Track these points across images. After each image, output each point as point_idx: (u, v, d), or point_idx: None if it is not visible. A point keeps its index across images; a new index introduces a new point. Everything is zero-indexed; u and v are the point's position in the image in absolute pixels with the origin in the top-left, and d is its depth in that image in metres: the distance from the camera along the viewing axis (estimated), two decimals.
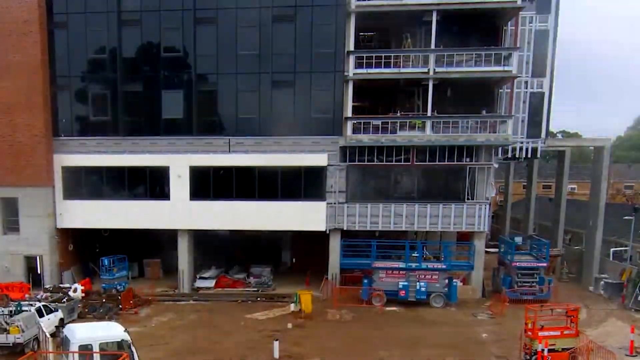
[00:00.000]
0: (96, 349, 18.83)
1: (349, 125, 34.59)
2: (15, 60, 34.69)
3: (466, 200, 35.16)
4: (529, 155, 39.27)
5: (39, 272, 36.79)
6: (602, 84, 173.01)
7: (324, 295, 35.43)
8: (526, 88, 37.98)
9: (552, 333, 24.11)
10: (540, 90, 38.26)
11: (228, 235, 39.97)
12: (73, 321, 30.21)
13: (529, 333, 24.38)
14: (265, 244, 41.91)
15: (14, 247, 36.71)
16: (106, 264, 36.09)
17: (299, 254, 42.39)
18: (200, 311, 33.00)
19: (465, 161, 34.96)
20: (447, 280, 33.97)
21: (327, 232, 35.94)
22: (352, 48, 34.29)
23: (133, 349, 19.46)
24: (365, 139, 34.62)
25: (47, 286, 35.33)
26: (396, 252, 35.29)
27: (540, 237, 41.41)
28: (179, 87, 35.55)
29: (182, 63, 35.48)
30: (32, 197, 36.11)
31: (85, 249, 39.70)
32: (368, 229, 36.30)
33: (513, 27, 34.65)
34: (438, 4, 33.06)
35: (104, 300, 33.45)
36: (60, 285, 35.62)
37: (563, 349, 23.98)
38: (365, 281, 34.30)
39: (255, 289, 37.29)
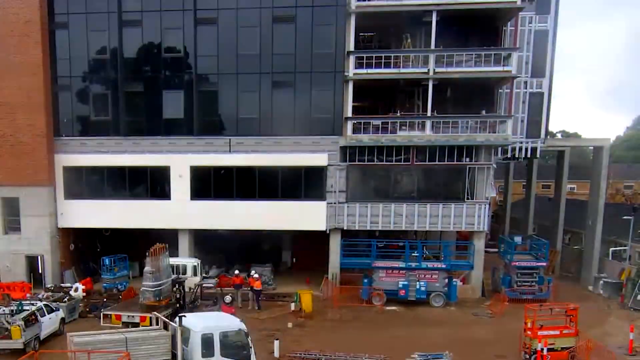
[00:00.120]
0: (217, 338, 19.58)
1: (349, 125, 34.71)
2: (17, 61, 34.74)
3: (466, 200, 35.28)
4: (529, 155, 39.38)
5: (40, 271, 36.89)
6: (602, 84, 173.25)
7: (324, 294, 35.54)
8: (526, 88, 38.07)
9: (551, 332, 24.21)
10: (539, 90, 38.36)
11: (228, 235, 40.05)
12: (74, 321, 30.36)
13: (529, 332, 24.48)
14: (265, 244, 42.03)
15: (15, 247, 36.79)
16: (107, 263, 36.19)
17: (300, 254, 42.56)
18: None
19: (465, 161, 35.07)
20: (446, 280, 34.07)
21: (328, 231, 36.06)
22: (352, 48, 34.39)
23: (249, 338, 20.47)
24: (366, 138, 34.74)
25: (49, 286, 35.45)
26: (396, 251, 35.42)
27: (540, 237, 41.53)
28: (180, 87, 35.66)
29: (182, 63, 35.60)
30: (33, 197, 36.17)
31: (86, 248, 39.82)
32: (368, 228, 36.46)
33: (513, 28, 34.76)
34: (438, 5, 33.14)
35: (105, 299, 33.53)
36: (62, 284, 35.71)
37: (562, 348, 24.11)
38: (365, 281, 34.40)
39: None
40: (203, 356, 19.29)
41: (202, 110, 35.80)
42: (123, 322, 26.96)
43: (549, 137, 41.44)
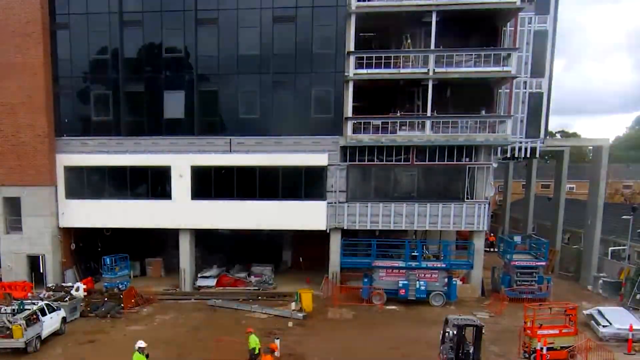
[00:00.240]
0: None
1: (349, 125, 34.81)
2: (18, 61, 34.85)
3: (465, 200, 35.38)
4: (528, 155, 39.43)
5: (41, 271, 36.98)
6: (601, 84, 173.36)
7: (324, 294, 35.72)
8: (525, 88, 38.16)
9: (550, 331, 24.36)
10: (539, 90, 38.45)
11: (229, 235, 40.19)
12: (75, 320, 30.51)
13: (528, 331, 24.65)
14: (266, 243, 42.15)
15: (16, 247, 36.91)
16: (108, 263, 36.30)
17: (300, 253, 42.68)
18: (201, 310, 33.21)
19: (465, 161, 35.18)
20: (446, 279, 34.19)
21: (328, 231, 36.17)
22: (352, 48, 34.45)
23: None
24: (366, 138, 34.84)
25: (50, 285, 35.57)
26: (396, 251, 35.55)
27: (539, 237, 41.67)
28: (181, 88, 35.70)
29: (183, 63, 35.67)
30: (34, 197, 36.31)
31: (87, 248, 39.92)
32: (368, 228, 36.52)
33: (512, 28, 34.85)
34: (437, 5, 33.23)
35: (105, 299, 33.64)
36: (63, 284, 35.86)
37: (562, 347, 24.24)
38: (366, 280, 34.53)
39: (256, 288, 37.53)
40: None
41: (202, 110, 35.87)
42: None
43: (548, 137, 41.49)
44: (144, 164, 36.23)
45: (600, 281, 37.56)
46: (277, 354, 24.61)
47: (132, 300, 33.30)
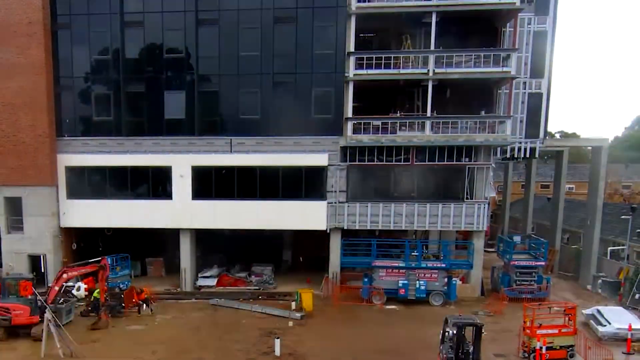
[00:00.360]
0: None
1: (350, 126, 34.91)
2: (20, 62, 34.95)
3: (465, 200, 35.49)
4: (528, 155, 39.52)
5: (42, 270, 37.05)
6: (600, 85, 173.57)
7: (324, 293, 35.85)
8: (525, 89, 38.26)
9: (550, 331, 24.45)
10: (538, 91, 38.57)
11: (229, 235, 40.27)
12: (70, 323, 30.35)
13: (528, 331, 24.75)
14: (266, 243, 42.19)
15: (18, 246, 37.03)
16: (109, 262, 36.30)
17: (300, 253, 42.78)
18: (202, 309, 33.32)
19: (465, 161, 35.28)
20: (446, 279, 34.30)
21: (328, 231, 36.27)
22: (352, 49, 34.55)
23: None
24: (366, 139, 34.94)
25: (51, 285, 35.54)
26: (396, 250, 35.66)
27: (539, 237, 41.78)
28: (181, 88, 35.80)
29: (184, 64, 35.76)
30: (35, 197, 36.43)
31: (88, 248, 39.96)
32: (368, 228, 36.65)
33: (512, 29, 34.91)
34: (437, 6, 33.35)
35: (106, 298, 33.62)
36: (64, 283, 35.84)
37: (561, 347, 24.33)
38: (366, 280, 34.64)
39: (257, 288, 37.65)
40: None
41: (203, 111, 35.97)
42: None
43: (547, 137, 41.59)
44: (145, 164, 36.34)
45: (600, 281, 37.70)
46: (277, 353, 24.76)
47: (133, 300, 33.33)
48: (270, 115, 35.53)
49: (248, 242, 40.95)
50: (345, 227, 36.26)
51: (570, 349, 24.41)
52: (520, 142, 38.66)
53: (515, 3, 32.99)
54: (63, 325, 28.89)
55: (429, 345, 25.28)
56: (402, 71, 34.66)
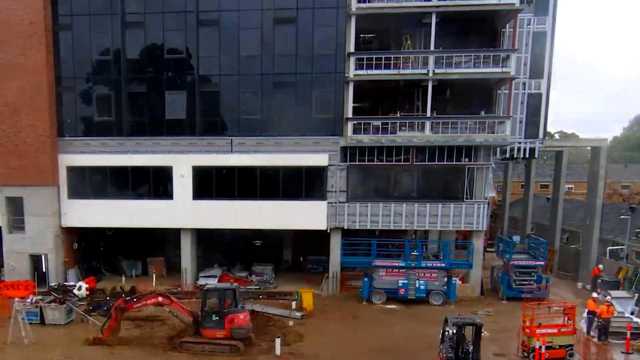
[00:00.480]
0: None
1: (350, 126, 35.01)
2: (21, 62, 34.98)
3: (465, 200, 35.60)
4: (527, 156, 39.70)
5: (44, 270, 37.12)
6: (600, 85, 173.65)
7: (324, 293, 35.96)
8: (524, 89, 38.42)
9: (549, 330, 24.55)
10: (538, 91, 38.72)
11: (230, 234, 40.36)
12: (71, 322, 30.48)
13: (527, 330, 24.85)
14: (267, 243, 42.32)
15: (19, 246, 37.10)
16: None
17: (300, 253, 42.89)
18: None
19: (464, 161, 35.36)
20: (446, 279, 34.41)
21: (328, 231, 36.37)
22: (352, 49, 34.66)
23: None
24: (366, 139, 35.04)
25: (52, 284, 35.70)
26: (396, 250, 35.76)
27: (538, 236, 41.90)
28: (182, 88, 35.89)
29: (185, 64, 35.84)
30: (37, 197, 36.50)
31: (89, 247, 40.16)
32: (368, 227, 36.72)
33: (511, 29, 35.01)
34: (437, 7, 33.42)
35: (108, 298, 33.81)
36: (65, 283, 36.03)
37: (560, 346, 24.41)
38: (366, 279, 34.73)
39: (257, 287, 37.72)
40: None
41: (204, 111, 36.08)
42: None
43: (547, 137, 41.75)
44: (146, 164, 36.43)
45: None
46: (278, 352, 24.86)
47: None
48: (270, 115, 35.64)
49: (249, 241, 41.11)
50: (346, 227, 36.34)
51: (570, 348, 24.52)
52: (519, 142, 38.83)
53: (514, 4, 33.07)
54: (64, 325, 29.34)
55: (429, 345, 25.37)
56: (402, 71, 34.74)
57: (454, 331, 21.36)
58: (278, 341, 25.30)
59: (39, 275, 36.59)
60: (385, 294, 34.31)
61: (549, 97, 38.89)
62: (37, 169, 36.10)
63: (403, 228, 36.98)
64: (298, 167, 35.81)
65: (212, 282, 37.65)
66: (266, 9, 34.58)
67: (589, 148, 43.47)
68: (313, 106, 35.53)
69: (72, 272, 38.07)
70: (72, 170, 36.93)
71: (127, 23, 35.53)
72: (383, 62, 34.62)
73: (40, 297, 31.18)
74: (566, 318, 25.15)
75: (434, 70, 34.14)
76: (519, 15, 34.45)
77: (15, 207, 37.09)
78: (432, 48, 34.06)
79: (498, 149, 37.23)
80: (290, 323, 30.29)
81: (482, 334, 21.77)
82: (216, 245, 41.36)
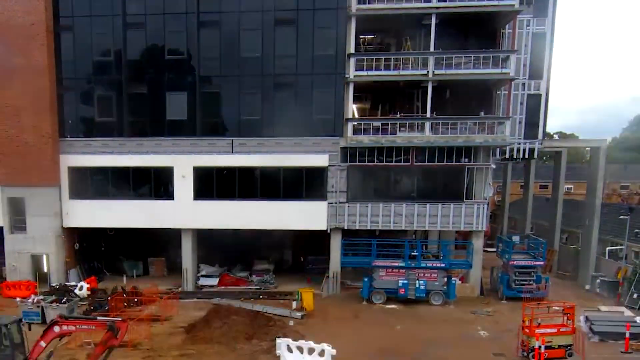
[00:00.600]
0: None
1: (350, 127, 35.13)
2: (23, 63, 35.01)
3: (465, 200, 35.69)
4: (526, 156, 39.82)
5: (45, 270, 37.24)
6: (599, 86, 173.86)
7: (324, 293, 36.07)
8: (523, 90, 38.55)
9: (548, 330, 24.65)
10: (537, 92, 38.83)
11: (231, 234, 40.40)
12: None
13: (526, 330, 24.94)
14: (267, 243, 42.38)
15: (20, 246, 37.19)
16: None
17: (301, 253, 42.99)
18: (203, 309, 33.42)
19: (464, 162, 35.43)
20: (445, 279, 34.51)
21: (328, 231, 36.48)
22: (352, 51, 34.82)
23: None
24: (366, 139, 35.16)
25: (54, 284, 35.83)
26: (396, 250, 35.85)
27: (538, 237, 42.01)
28: (183, 89, 36.00)
29: (186, 65, 35.98)
30: (38, 197, 36.61)
31: (90, 247, 40.26)
32: (368, 228, 36.81)
33: (511, 30, 35.17)
34: (437, 8, 33.56)
35: (109, 297, 33.93)
36: (66, 283, 36.14)
37: (560, 346, 24.51)
38: (366, 279, 34.83)
39: (258, 287, 37.85)
40: None
41: (205, 112, 36.18)
42: None
43: (546, 138, 41.86)
44: (147, 164, 36.55)
45: (598, 280, 37.94)
46: (278, 353, 24.93)
47: (136, 299, 33.49)
48: (271, 116, 35.72)
49: (249, 241, 41.14)
50: (346, 227, 36.43)
51: (569, 348, 24.62)
52: (519, 143, 38.93)
53: (514, 5, 33.24)
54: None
55: (430, 344, 25.50)
56: (402, 72, 34.88)
57: None
58: (279, 341, 25.35)
59: (41, 276, 36.80)
60: (385, 294, 34.40)
61: (548, 97, 39.01)
62: (39, 170, 36.16)
63: (403, 228, 37.06)
64: (298, 167, 35.91)
65: (213, 282, 37.98)
66: (266, 10, 34.70)
67: (588, 149, 43.50)
68: (313, 107, 35.63)
69: (74, 272, 38.16)
70: (73, 170, 37.04)
71: (128, 24, 35.66)
72: (383, 63, 34.76)
73: (41, 297, 31.25)
74: (565, 318, 25.26)
75: (433, 71, 34.27)
76: (518, 16, 34.62)
77: (17, 207, 37.19)
78: (431, 49, 34.19)
79: (497, 149, 37.33)
80: (291, 323, 30.41)
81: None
82: (217, 245, 41.40)
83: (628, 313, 29.54)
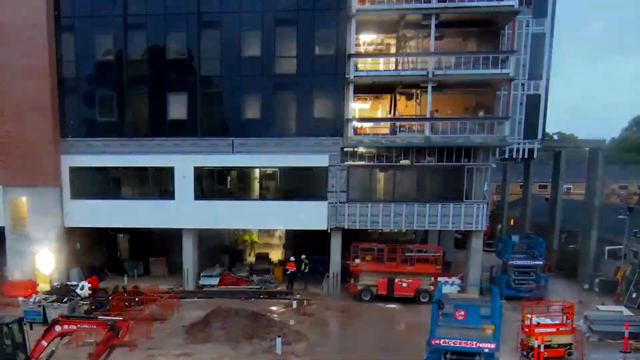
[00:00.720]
0: None
1: (350, 127, 35.19)
2: (24, 64, 35.01)
3: (464, 200, 35.79)
4: (526, 156, 39.95)
5: (46, 270, 37.22)
6: (598, 86, 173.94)
7: (325, 293, 36.18)
8: (523, 90, 38.66)
9: (548, 330, 24.79)
10: (536, 92, 38.95)
11: (232, 234, 40.55)
12: None
13: (526, 329, 25.08)
14: (267, 243, 42.52)
15: (22, 246, 37.14)
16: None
17: (301, 253, 43.00)
18: (203, 308, 33.55)
19: (464, 162, 35.53)
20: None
21: (329, 231, 36.57)
22: (352, 51, 34.91)
23: None
24: (366, 139, 35.29)
25: (55, 284, 35.89)
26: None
27: (537, 236, 42.07)
28: (184, 90, 36.07)
29: (186, 66, 36.13)
30: (40, 197, 36.66)
31: (92, 247, 40.33)
32: (368, 228, 36.97)
33: (510, 31, 35.29)
34: (437, 8, 33.64)
35: (110, 297, 33.97)
36: (68, 283, 36.20)
37: (559, 345, 24.66)
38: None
39: (258, 287, 37.93)
40: None
41: (205, 112, 36.23)
42: None
43: (545, 138, 41.97)
44: (148, 164, 36.71)
45: (597, 280, 38.03)
46: (279, 351, 25.11)
47: (137, 299, 33.54)
48: (271, 116, 35.83)
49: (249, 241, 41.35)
50: (346, 227, 36.47)
51: (568, 347, 24.75)
52: (518, 143, 39.04)
53: (513, 6, 33.30)
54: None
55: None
56: (402, 73, 35.10)
57: None
58: (279, 340, 25.53)
59: (42, 275, 36.83)
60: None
61: (547, 98, 39.14)
62: (40, 170, 36.21)
63: (403, 228, 37.16)
64: (299, 167, 35.99)
65: (214, 282, 38.05)
66: (267, 10, 34.79)
67: (588, 149, 43.60)
68: (314, 107, 35.79)
69: (75, 271, 38.22)
70: (74, 170, 37.07)
71: (129, 24, 35.71)
72: (383, 63, 34.83)
73: (43, 296, 31.35)
74: (565, 317, 25.37)
75: (433, 72, 34.34)
76: (517, 17, 34.70)
77: (19, 207, 37.22)
78: (431, 50, 34.30)
79: (497, 149, 37.44)
80: (291, 322, 30.54)
81: None
82: (217, 245, 41.52)
83: (627, 312, 29.61)
